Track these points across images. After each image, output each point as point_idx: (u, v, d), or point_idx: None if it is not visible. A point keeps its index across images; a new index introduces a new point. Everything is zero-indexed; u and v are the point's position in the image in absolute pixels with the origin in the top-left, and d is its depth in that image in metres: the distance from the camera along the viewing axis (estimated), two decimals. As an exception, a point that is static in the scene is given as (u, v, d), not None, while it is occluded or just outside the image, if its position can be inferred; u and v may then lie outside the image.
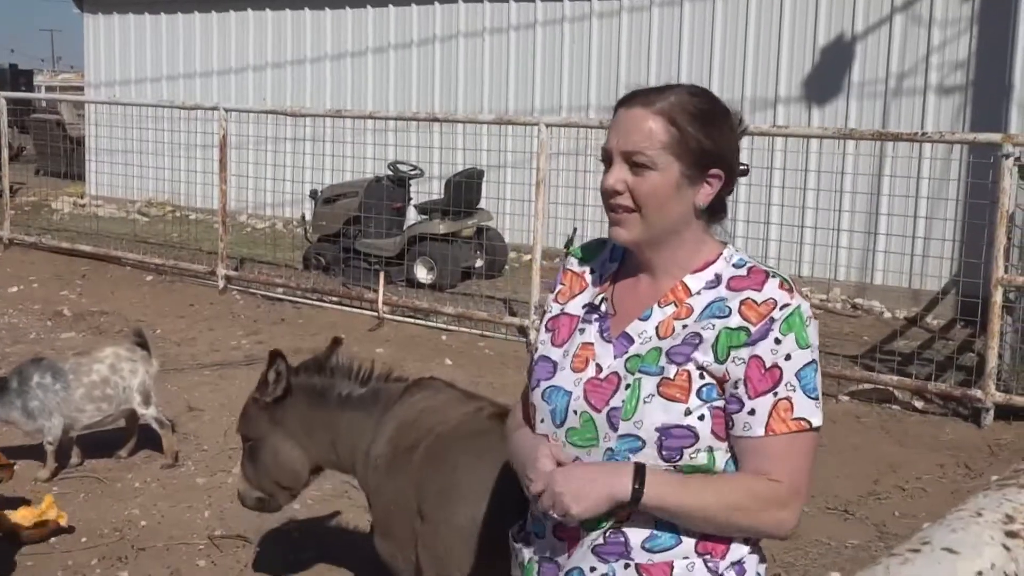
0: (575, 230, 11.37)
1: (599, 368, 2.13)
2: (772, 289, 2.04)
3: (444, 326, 10.20)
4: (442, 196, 12.07)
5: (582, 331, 2.21)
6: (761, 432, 2.00)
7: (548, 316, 2.31)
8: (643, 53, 13.41)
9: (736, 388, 2.02)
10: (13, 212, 14.56)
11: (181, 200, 16.75)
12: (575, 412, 2.12)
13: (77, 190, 18.90)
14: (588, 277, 2.30)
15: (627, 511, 2.06)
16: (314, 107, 15.22)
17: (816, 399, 2.02)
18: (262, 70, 17.04)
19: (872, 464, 6.79)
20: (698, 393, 2.03)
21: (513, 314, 10.32)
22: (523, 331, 9.69)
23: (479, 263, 12.28)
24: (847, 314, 11.25)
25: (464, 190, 11.70)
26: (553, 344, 2.25)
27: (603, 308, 2.21)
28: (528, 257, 11.32)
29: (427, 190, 13.06)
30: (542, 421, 2.20)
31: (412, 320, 10.44)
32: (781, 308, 2.01)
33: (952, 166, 11.04)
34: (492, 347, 9.60)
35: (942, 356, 9.09)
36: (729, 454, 2.07)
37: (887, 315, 11.18)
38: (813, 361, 2.02)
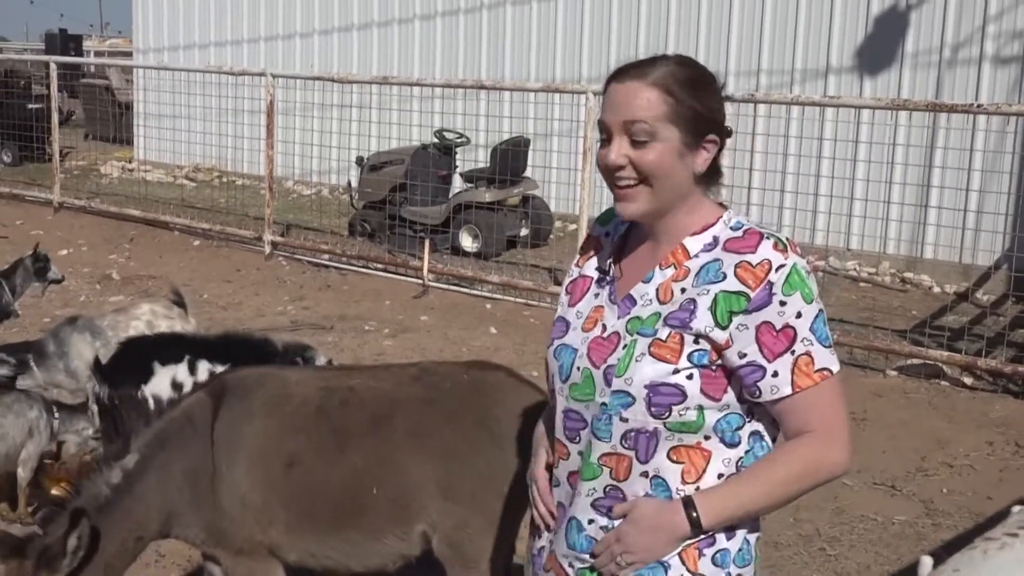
0: (621, 200, 11.29)
1: (604, 328, 2.23)
2: (766, 250, 2.07)
3: (489, 294, 10.20)
4: (488, 164, 12.05)
5: (596, 295, 2.30)
6: (789, 391, 2.07)
7: (568, 280, 2.42)
8: (692, 20, 13.24)
9: (744, 356, 2.07)
10: (63, 176, 14.70)
11: (228, 166, 16.85)
12: (578, 368, 2.23)
13: (125, 155, 19.06)
14: (603, 240, 2.39)
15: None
16: (361, 74, 15.21)
17: (830, 347, 2.09)
18: (309, 36, 17.03)
19: (920, 440, 6.72)
20: (688, 357, 2.09)
21: (558, 283, 10.29)
22: (568, 301, 9.65)
23: (524, 232, 12.25)
24: (896, 288, 11.11)
25: (510, 158, 11.66)
26: (569, 305, 2.36)
27: (611, 272, 2.30)
28: (574, 227, 11.28)
29: (473, 158, 13.04)
30: (552, 377, 2.33)
31: (457, 288, 10.44)
32: (777, 270, 2.05)
33: (1007, 138, 10.85)
34: (536, 316, 9.58)
35: (992, 332, 8.97)
36: (722, 413, 2.13)
37: (937, 289, 11.03)
38: (820, 311, 2.08)
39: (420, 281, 10.46)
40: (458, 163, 12.69)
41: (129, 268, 11.09)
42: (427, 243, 10.73)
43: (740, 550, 2.20)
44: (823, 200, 11.26)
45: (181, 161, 17.26)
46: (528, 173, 12.28)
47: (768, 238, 2.09)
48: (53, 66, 14.51)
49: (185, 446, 3.48)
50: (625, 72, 2.16)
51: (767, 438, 2.19)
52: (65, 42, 28.52)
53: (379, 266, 11.19)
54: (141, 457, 3.46)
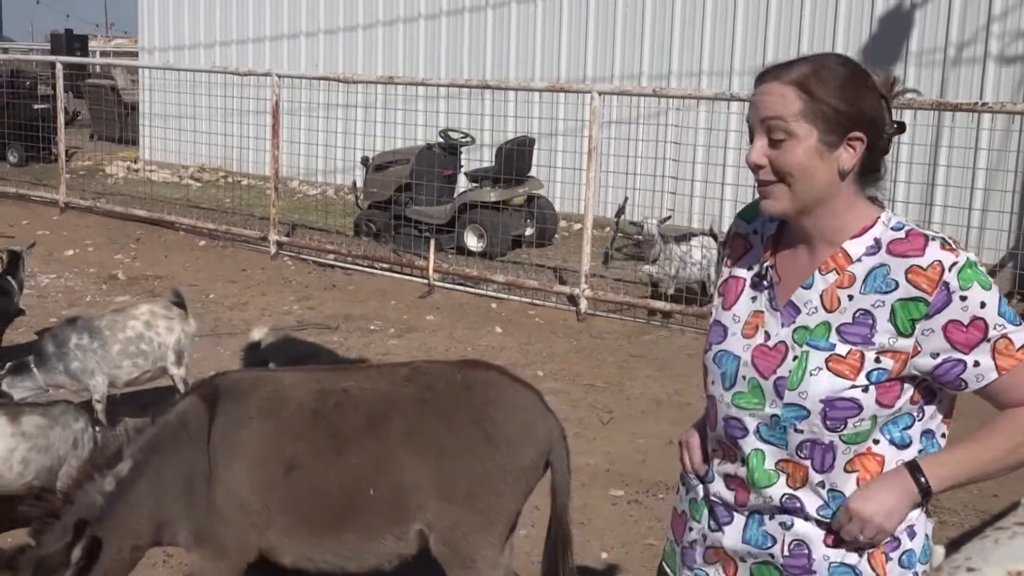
0: (626, 199, 11.31)
1: (767, 336, 2.20)
2: (935, 251, 2.04)
3: (494, 294, 10.21)
4: (493, 164, 12.05)
5: (753, 299, 2.27)
6: (995, 375, 2.05)
7: (719, 281, 2.40)
8: (697, 21, 13.25)
9: (937, 356, 2.05)
10: (68, 176, 14.72)
11: (234, 166, 16.87)
12: (743, 377, 2.20)
13: (131, 155, 19.08)
14: (751, 239, 2.36)
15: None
16: (366, 74, 15.22)
17: (1021, 324, 2.07)
18: (315, 36, 17.06)
19: (925, 438, 6.70)
20: (868, 375, 2.07)
21: (563, 283, 10.31)
22: (573, 300, 9.67)
23: (529, 231, 12.25)
24: (901, 287, 11.09)
25: (515, 158, 11.66)
26: (723, 308, 2.33)
27: (769, 277, 2.26)
28: (579, 226, 11.28)
29: (478, 158, 13.05)
30: (713, 383, 2.30)
31: (462, 288, 10.45)
32: (950, 268, 2.02)
33: (1012, 137, 10.84)
34: (542, 315, 9.60)
35: (998, 330, 8.96)
36: (892, 416, 2.11)
37: (942, 288, 11.01)
38: (1001, 295, 2.07)
39: (425, 281, 10.47)
40: (463, 163, 12.69)
41: (135, 268, 11.12)
42: (432, 243, 10.73)
43: (923, 547, 2.20)
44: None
45: (186, 161, 17.27)
46: (533, 173, 12.29)
47: (934, 239, 2.07)
48: (59, 66, 14.53)
49: (180, 450, 3.47)
50: (767, 72, 2.16)
51: (936, 436, 2.19)
52: (71, 42, 28.50)
53: (384, 266, 11.20)
54: (135, 463, 3.44)
